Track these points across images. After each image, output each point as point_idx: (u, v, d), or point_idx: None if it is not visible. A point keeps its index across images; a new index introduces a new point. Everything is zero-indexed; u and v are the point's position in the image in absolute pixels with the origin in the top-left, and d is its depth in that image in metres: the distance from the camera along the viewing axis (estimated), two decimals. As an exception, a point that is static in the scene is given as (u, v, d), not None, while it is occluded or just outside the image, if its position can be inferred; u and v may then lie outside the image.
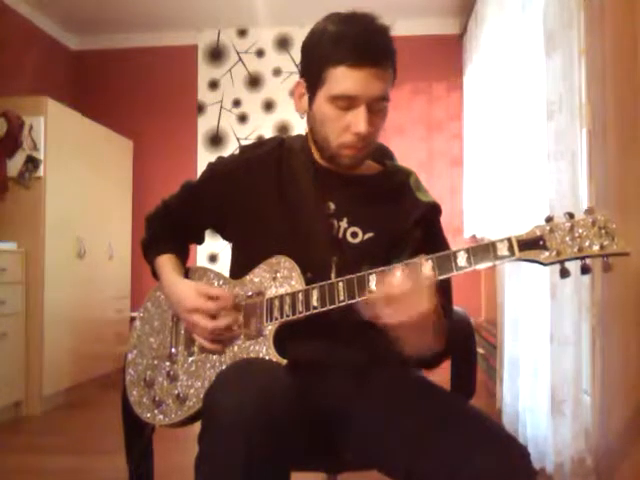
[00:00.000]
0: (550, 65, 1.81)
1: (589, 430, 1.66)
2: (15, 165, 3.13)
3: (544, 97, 1.84)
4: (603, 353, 1.53)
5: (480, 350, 3.19)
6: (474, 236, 3.62)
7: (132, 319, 3.99)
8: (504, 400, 2.46)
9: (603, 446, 1.52)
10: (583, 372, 1.72)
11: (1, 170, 3.09)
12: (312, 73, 1.07)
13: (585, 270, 0.86)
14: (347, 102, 1.03)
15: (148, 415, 1.12)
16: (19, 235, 3.09)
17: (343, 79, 1.02)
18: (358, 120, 1.03)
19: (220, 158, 1.26)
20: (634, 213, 1.30)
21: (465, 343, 1.22)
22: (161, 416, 1.10)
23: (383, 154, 1.36)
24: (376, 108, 1.05)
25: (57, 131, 3.26)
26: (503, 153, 2.62)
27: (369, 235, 1.12)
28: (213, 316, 1.08)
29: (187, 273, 1.24)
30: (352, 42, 1.01)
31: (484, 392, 3.08)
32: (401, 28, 4.03)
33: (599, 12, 1.50)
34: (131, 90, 4.37)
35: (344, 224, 1.13)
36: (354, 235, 1.12)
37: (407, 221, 1.13)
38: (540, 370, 2.02)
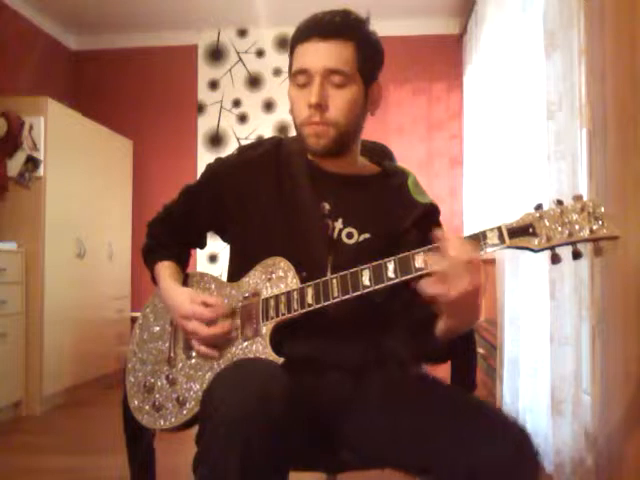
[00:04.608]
0: (550, 65, 1.80)
1: (589, 430, 1.66)
2: (15, 165, 3.13)
3: (544, 97, 1.83)
4: (603, 352, 1.53)
5: (480, 350, 3.18)
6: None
7: (132, 319, 4.00)
8: (504, 400, 2.46)
9: (603, 446, 1.52)
10: (583, 372, 1.72)
11: (1, 170, 3.09)
12: (289, 65, 1.14)
13: (576, 255, 0.87)
14: (304, 78, 1.07)
15: (149, 420, 1.11)
16: (19, 235, 3.09)
17: (298, 55, 1.09)
18: (311, 92, 1.06)
19: (218, 159, 1.26)
20: (634, 213, 1.30)
21: (465, 343, 1.22)
22: (161, 420, 1.09)
23: (383, 154, 1.36)
24: (333, 83, 1.07)
25: (57, 131, 3.26)
26: (503, 153, 2.62)
27: (365, 236, 1.12)
28: (209, 323, 1.07)
29: (185, 279, 1.24)
30: (307, 21, 1.09)
31: (484, 392, 3.07)
32: (401, 28, 4.04)
33: (599, 12, 1.50)
34: (131, 90, 4.37)
35: (339, 224, 1.13)
36: (349, 236, 1.12)
37: (404, 223, 1.13)
38: (540, 370, 2.02)
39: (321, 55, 1.05)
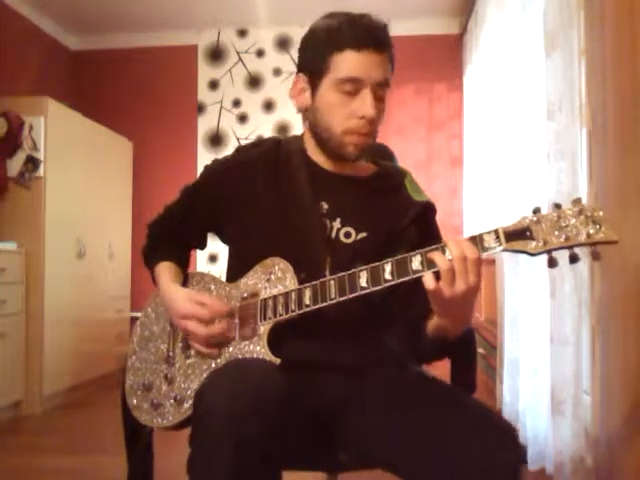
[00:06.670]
0: (550, 65, 1.80)
1: (589, 430, 1.66)
2: (15, 165, 3.13)
3: (544, 97, 1.83)
4: (603, 352, 1.53)
5: (480, 350, 3.18)
6: (474, 236, 3.62)
7: (132, 319, 4.00)
8: (504, 400, 2.46)
9: (603, 446, 1.52)
10: (583, 372, 1.72)
11: (1, 170, 3.09)
12: (316, 63, 1.09)
13: (573, 259, 0.87)
14: (353, 86, 1.05)
15: (147, 418, 1.12)
16: (19, 235, 3.10)
17: (349, 62, 1.05)
18: (365, 103, 1.05)
19: (216, 160, 1.26)
20: (634, 213, 1.30)
21: (465, 343, 1.22)
22: (159, 419, 1.09)
23: (381, 154, 1.36)
24: (379, 94, 1.08)
25: (57, 131, 3.26)
26: (503, 153, 2.62)
27: (362, 235, 1.13)
28: (207, 322, 1.07)
29: (185, 279, 1.25)
30: (357, 27, 1.05)
31: (484, 392, 3.07)
32: (401, 28, 4.03)
33: (599, 12, 1.50)
34: (131, 90, 4.37)
35: (337, 224, 1.13)
36: (347, 235, 1.13)
37: (401, 221, 1.14)
38: (540, 370, 2.02)
39: (376, 68, 1.06)
